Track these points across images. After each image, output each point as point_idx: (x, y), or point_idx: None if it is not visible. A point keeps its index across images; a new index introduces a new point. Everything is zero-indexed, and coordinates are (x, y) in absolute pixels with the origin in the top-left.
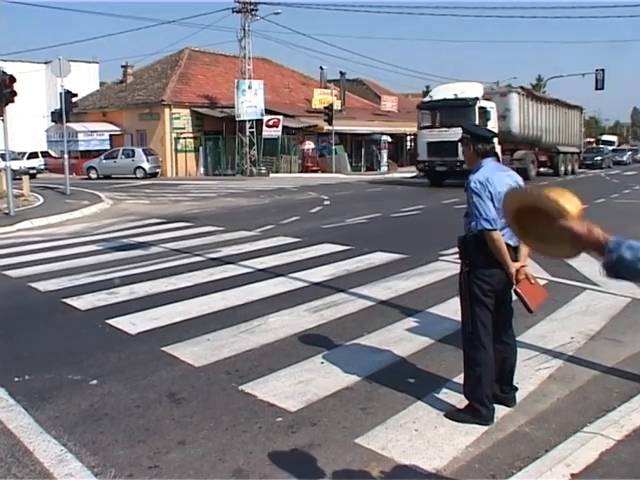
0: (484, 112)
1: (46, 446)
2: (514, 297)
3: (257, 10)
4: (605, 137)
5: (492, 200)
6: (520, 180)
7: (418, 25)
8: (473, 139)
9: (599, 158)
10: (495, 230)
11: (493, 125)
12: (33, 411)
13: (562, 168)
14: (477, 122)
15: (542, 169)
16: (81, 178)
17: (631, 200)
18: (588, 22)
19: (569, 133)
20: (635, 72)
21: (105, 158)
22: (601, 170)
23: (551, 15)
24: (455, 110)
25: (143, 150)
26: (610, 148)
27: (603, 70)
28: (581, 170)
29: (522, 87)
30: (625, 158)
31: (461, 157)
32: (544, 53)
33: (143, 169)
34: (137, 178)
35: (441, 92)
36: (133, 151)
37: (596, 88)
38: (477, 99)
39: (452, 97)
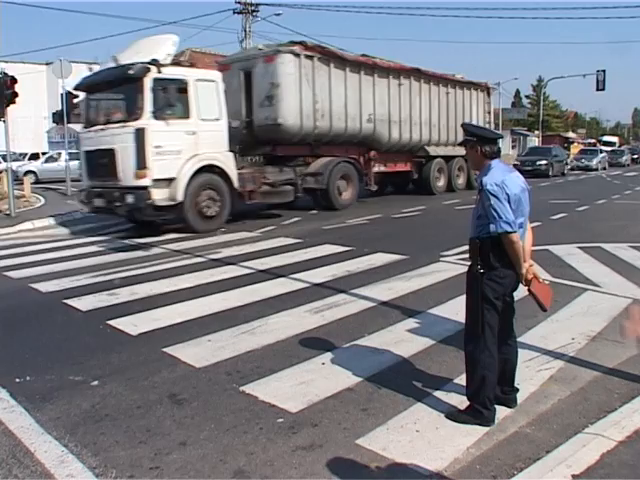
0: (164, 90)
1: (47, 447)
2: (516, 298)
3: (258, 11)
4: (606, 138)
5: (509, 202)
6: (524, 181)
7: (419, 26)
8: (480, 141)
9: (543, 162)
10: (515, 232)
11: (199, 113)
12: (34, 412)
13: (440, 182)
14: (148, 107)
15: (414, 185)
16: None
17: (632, 201)
18: (589, 23)
19: (459, 125)
20: (636, 73)
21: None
22: (547, 179)
23: (552, 16)
24: (116, 90)
25: None
26: (609, 148)
27: (604, 71)
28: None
29: (304, 43)
30: (623, 159)
31: (127, 182)
32: (545, 54)
33: None
34: None
35: (122, 58)
36: None
37: (597, 89)
38: (148, 68)
39: (115, 67)
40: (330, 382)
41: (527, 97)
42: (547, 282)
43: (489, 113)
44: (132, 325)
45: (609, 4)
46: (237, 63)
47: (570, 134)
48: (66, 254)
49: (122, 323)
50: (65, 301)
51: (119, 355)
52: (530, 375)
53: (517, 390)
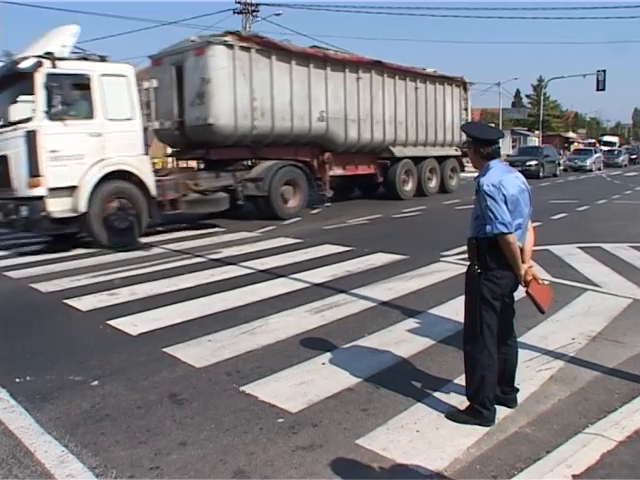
0: (61, 87)
1: (47, 447)
2: (516, 298)
3: (258, 11)
4: (606, 138)
5: (506, 203)
6: (525, 181)
7: (419, 26)
8: (477, 142)
9: (533, 163)
10: (511, 233)
11: (105, 113)
12: (34, 412)
13: (408, 186)
14: (41, 106)
15: (383, 189)
16: None
17: (632, 201)
18: (589, 23)
19: (430, 124)
20: (636, 73)
21: None
22: (539, 180)
23: (552, 16)
24: (9, 88)
25: None
26: (606, 148)
27: (604, 71)
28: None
29: (238, 33)
30: (620, 160)
31: (22, 192)
32: (545, 54)
33: None
34: None
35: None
36: None
37: (597, 89)
38: (40, 62)
39: (6, 63)
40: (330, 382)
41: (527, 97)
42: (547, 282)
43: (466, 110)
44: (132, 325)
45: (609, 4)
46: (168, 57)
47: (570, 134)
48: (66, 254)
49: (122, 323)
50: (65, 301)
51: (119, 355)
52: (530, 375)
53: (517, 390)
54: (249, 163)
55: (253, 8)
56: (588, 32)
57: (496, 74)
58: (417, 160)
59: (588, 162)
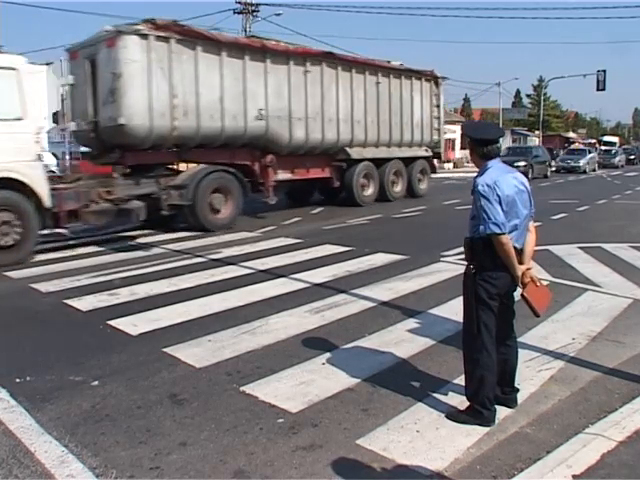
0: None
1: (47, 447)
2: (516, 299)
3: (258, 11)
4: (606, 138)
5: (500, 203)
6: (526, 181)
7: (419, 26)
8: (473, 142)
9: (522, 164)
10: (504, 234)
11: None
12: (34, 412)
13: (368, 191)
14: None
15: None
16: None
17: (632, 201)
18: (589, 23)
19: (395, 122)
20: (636, 73)
21: None
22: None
23: (552, 16)
24: None
25: None
26: (605, 148)
27: (604, 71)
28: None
29: (154, 21)
30: (616, 160)
31: None
32: (545, 54)
33: None
34: None
35: None
36: None
37: (597, 89)
38: None
39: None
40: (330, 382)
41: (528, 97)
42: (547, 283)
43: (438, 107)
44: (132, 325)
45: (609, 4)
46: (82, 50)
47: (571, 134)
48: (66, 254)
49: (122, 323)
50: (65, 301)
51: (119, 355)
52: (530, 375)
53: (517, 390)
54: (175, 169)
55: (253, 8)
56: (588, 32)
57: (496, 74)
58: (380, 162)
59: (581, 163)
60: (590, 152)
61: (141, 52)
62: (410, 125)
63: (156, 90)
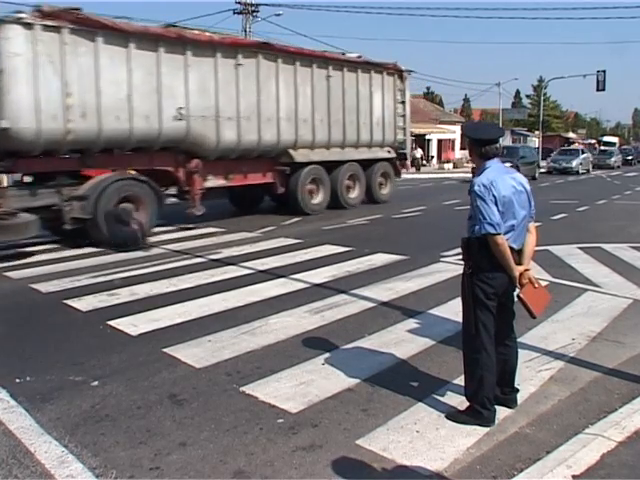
0: None
1: (47, 447)
2: (516, 299)
3: (258, 11)
4: (606, 138)
5: (496, 204)
6: (525, 182)
7: (419, 26)
8: (472, 142)
9: (506, 165)
10: (499, 234)
11: None
12: (34, 412)
13: (317, 198)
14: None
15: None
16: None
17: (632, 201)
18: (589, 23)
19: (351, 121)
20: (636, 73)
21: None
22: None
23: (552, 16)
24: None
25: None
26: (604, 149)
27: (604, 71)
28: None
29: (41, 9)
30: (612, 161)
31: None
32: (545, 54)
33: None
34: None
35: None
36: None
37: (597, 89)
38: None
39: None
40: (330, 382)
41: (528, 97)
42: (546, 284)
43: (403, 103)
44: (132, 325)
45: (609, 4)
46: None
47: (570, 134)
48: (66, 254)
49: (122, 323)
50: (65, 301)
51: (119, 355)
52: (530, 375)
53: (517, 391)
54: (81, 177)
55: (253, 8)
56: (588, 32)
57: (496, 74)
58: (332, 165)
59: (574, 163)
60: (583, 152)
61: (26, 44)
62: (369, 124)
63: (46, 88)
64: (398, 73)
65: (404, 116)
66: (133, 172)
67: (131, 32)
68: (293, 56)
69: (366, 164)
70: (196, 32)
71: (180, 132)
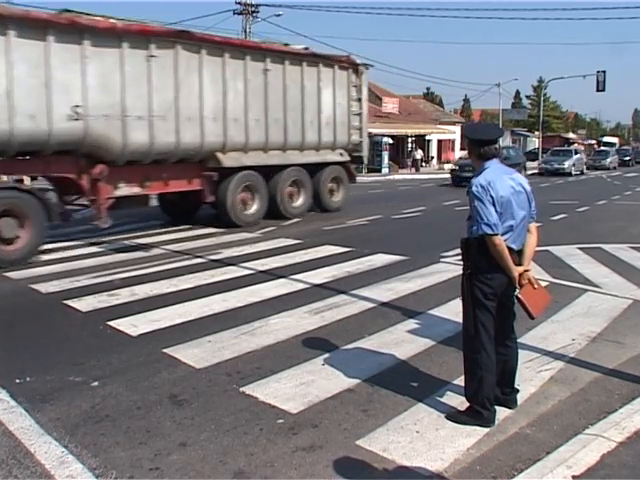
0: None
1: (47, 448)
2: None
3: (258, 12)
4: (606, 139)
5: (494, 204)
6: (525, 182)
7: (419, 26)
8: (470, 143)
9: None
10: (496, 235)
11: None
12: (34, 413)
13: (252, 207)
14: None
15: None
16: None
17: (632, 202)
18: (589, 23)
19: (294, 120)
20: (636, 73)
21: None
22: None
23: (552, 16)
24: None
25: None
26: (604, 149)
27: (604, 72)
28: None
29: None
30: (608, 162)
31: None
32: (545, 54)
33: None
34: None
35: None
36: None
37: (597, 90)
38: None
39: None
40: (330, 383)
41: (527, 97)
42: (546, 285)
43: (359, 101)
44: (132, 326)
45: (609, 4)
46: None
47: (570, 135)
48: (66, 255)
49: (122, 324)
50: (65, 302)
51: (119, 356)
52: (530, 376)
53: (517, 391)
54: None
55: (253, 9)
56: (588, 32)
57: (496, 75)
58: (271, 170)
59: (566, 164)
60: (577, 153)
61: None
62: (317, 124)
63: None
64: (353, 67)
65: (360, 115)
66: (5, 179)
67: (6, 16)
68: (220, 47)
69: (314, 169)
70: (98, 18)
71: (77, 133)
